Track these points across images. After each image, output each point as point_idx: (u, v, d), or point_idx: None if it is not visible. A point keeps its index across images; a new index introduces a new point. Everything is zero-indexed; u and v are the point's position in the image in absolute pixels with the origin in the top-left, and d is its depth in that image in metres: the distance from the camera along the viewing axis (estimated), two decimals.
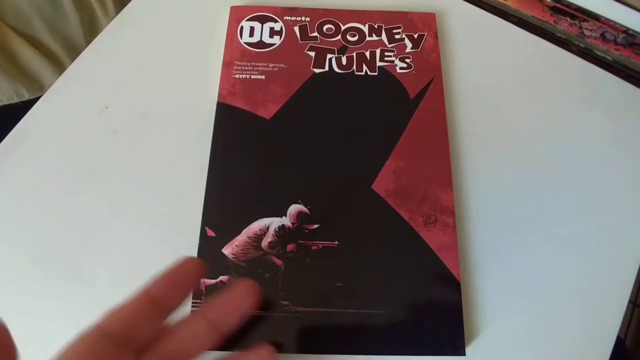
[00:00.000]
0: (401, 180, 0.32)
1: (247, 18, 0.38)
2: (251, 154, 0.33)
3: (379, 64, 0.37)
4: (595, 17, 0.39)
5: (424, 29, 0.38)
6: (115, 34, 0.39)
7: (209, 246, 0.30)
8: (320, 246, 0.30)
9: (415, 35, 0.38)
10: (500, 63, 0.39)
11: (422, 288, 0.29)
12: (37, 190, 0.33)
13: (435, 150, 0.34)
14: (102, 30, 0.70)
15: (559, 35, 0.40)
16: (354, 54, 0.37)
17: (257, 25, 0.38)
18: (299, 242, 0.30)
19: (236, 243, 0.30)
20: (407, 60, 0.37)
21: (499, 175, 0.34)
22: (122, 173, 0.33)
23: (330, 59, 0.37)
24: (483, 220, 0.33)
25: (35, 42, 0.61)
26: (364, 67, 0.36)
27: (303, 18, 0.38)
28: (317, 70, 0.36)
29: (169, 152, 0.34)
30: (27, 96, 0.62)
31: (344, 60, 0.37)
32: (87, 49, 0.38)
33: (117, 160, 0.34)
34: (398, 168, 0.33)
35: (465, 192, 0.33)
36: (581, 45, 0.40)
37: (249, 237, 0.30)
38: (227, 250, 0.30)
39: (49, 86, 0.65)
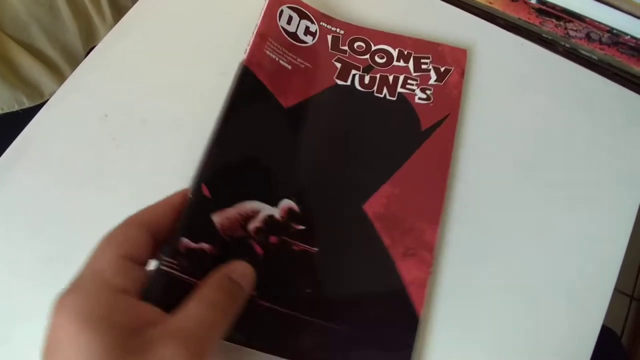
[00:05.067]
0: (392, 207, 0.32)
1: (287, 5, 0.37)
2: (262, 132, 0.32)
3: (399, 89, 0.37)
4: (579, 17, 0.40)
5: (452, 64, 0.38)
6: (114, 43, 0.40)
7: (200, 206, 0.27)
8: (300, 248, 0.30)
9: (442, 69, 0.38)
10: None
11: (382, 317, 0.30)
12: (40, 197, 0.34)
13: (433, 185, 0.33)
14: (99, 38, 0.72)
15: (545, 36, 0.42)
16: (378, 75, 0.37)
17: (295, 16, 0.37)
18: (283, 237, 0.30)
19: (227, 215, 0.28)
20: (428, 92, 0.37)
21: (479, 176, 0.36)
22: (123, 179, 0.34)
23: (354, 75, 0.37)
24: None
25: (34, 50, 0.63)
26: (384, 90, 0.37)
27: (338, 30, 0.39)
28: (339, 82, 0.36)
29: (169, 158, 0.35)
30: (27, 104, 0.64)
31: (366, 79, 0.37)
32: (86, 58, 0.39)
33: (118, 167, 0.35)
34: (393, 195, 0.33)
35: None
36: (567, 45, 0.41)
37: (239, 214, 0.28)
38: (216, 218, 0.27)
39: (49, 94, 0.67)
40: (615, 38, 0.40)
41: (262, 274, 0.27)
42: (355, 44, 0.38)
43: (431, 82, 0.37)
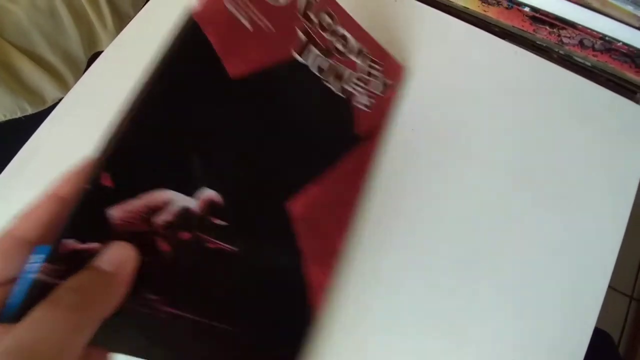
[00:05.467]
0: (313, 210, 0.31)
1: None
2: (192, 105, 0.25)
3: (345, 86, 0.34)
4: (572, 25, 0.41)
5: (394, 79, 0.39)
6: (117, 52, 0.41)
7: (95, 199, 0.21)
8: (216, 246, 0.26)
9: (388, 82, 0.38)
10: (483, 73, 0.40)
11: (280, 327, 0.30)
12: None
13: (351, 191, 0.34)
14: (101, 44, 0.72)
15: (539, 43, 0.42)
16: (331, 64, 0.33)
17: None
18: (197, 233, 0.25)
19: (130, 207, 0.22)
20: (371, 100, 0.36)
21: (475, 178, 0.36)
22: None
23: (314, 55, 0.32)
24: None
25: (35, 57, 0.63)
26: (332, 82, 0.33)
27: None
28: (297, 58, 0.31)
29: None
30: (30, 110, 0.64)
31: (323, 64, 0.33)
32: (90, 68, 0.40)
33: None
34: (315, 197, 0.31)
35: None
36: (561, 52, 0.42)
37: (145, 206, 0.23)
38: (116, 212, 0.21)
39: (51, 100, 0.67)
40: (608, 45, 0.41)
41: (166, 275, 0.23)
42: (326, 19, 0.33)
43: (376, 91, 0.37)
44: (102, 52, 0.73)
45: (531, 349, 0.31)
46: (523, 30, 0.42)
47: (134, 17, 0.74)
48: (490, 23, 0.43)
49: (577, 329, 0.32)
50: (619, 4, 0.38)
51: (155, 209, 0.23)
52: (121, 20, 0.71)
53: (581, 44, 0.41)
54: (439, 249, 0.34)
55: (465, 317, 0.32)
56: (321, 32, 0.33)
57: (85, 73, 0.40)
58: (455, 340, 0.31)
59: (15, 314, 0.17)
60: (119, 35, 0.42)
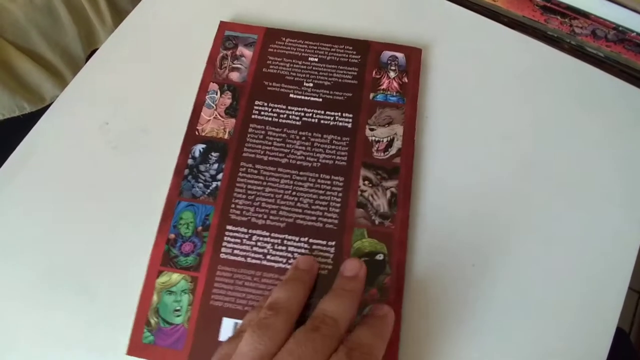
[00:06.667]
0: None
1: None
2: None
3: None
4: (585, 15, 0.40)
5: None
6: (114, 48, 0.40)
7: None
8: None
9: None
10: (492, 64, 0.39)
11: None
12: (41, 206, 0.34)
13: None
14: (100, 41, 0.71)
15: (550, 33, 0.41)
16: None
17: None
18: None
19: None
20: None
21: (486, 175, 0.35)
22: (123, 188, 0.34)
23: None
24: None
25: (34, 55, 0.62)
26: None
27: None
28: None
29: (170, 167, 0.35)
30: (28, 109, 0.63)
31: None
32: (86, 64, 0.39)
33: (119, 175, 0.35)
34: None
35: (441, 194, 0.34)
36: (572, 42, 0.41)
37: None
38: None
39: (50, 98, 0.66)
40: (621, 35, 0.39)
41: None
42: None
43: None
44: None
45: (550, 351, 0.30)
46: (534, 20, 0.41)
47: None
48: (500, 13, 0.42)
49: (598, 329, 0.31)
50: None
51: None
52: (120, 16, 0.70)
53: (594, 34, 0.40)
54: (450, 249, 0.33)
55: (481, 317, 0.31)
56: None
57: (81, 70, 0.39)
58: (472, 340, 0.30)
59: None
60: (115, 31, 0.41)
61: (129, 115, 0.37)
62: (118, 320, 0.30)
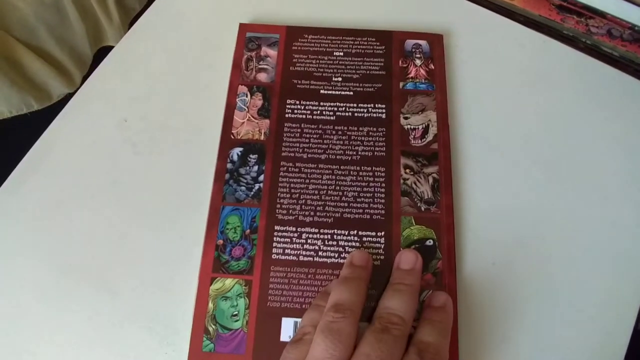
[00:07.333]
0: None
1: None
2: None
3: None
4: (601, 14, 0.40)
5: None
6: (130, 47, 0.40)
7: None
8: None
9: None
10: (507, 63, 0.39)
11: None
12: (61, 204, 0.33)
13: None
14: (107, 39, 0.71)
15: (565, 32, 0.41)
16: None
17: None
18: None
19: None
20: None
21: (504, 174, 0.35)
22: (143, 184, 0.34)
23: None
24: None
25: (42, 52, 0.62)
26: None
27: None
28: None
29: (189, 162, 0.35)
30: (35, 106, 0.63)
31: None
32: (102, 62, 0.39)
33: (138, 172, 0.34)
34: None
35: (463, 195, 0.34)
36: (588, 42, 0.41)
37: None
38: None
39: (57, 96, 0.66)
40: (636, 35, 0.40)
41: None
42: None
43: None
44: (107, 47, 0.71)
45: (569, 354, 0.30)
46: (550, 19, 0.41)
47: (139, 10, 0.73)
48: (516, 12, 0.42)
49: (616, 329, 0.31)
50: None
51: None
52: (127, 14, 0.69)
53: (609, 33, 0.40)
54: (463, 249, 0.33)
55: (501, 319, 0.31)
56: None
57: (97, 67, 0.39)
58: (497, 342, 0.30)
59: None
60: (129, 30, 0.41)
61: (149, 115, 0.37)
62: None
